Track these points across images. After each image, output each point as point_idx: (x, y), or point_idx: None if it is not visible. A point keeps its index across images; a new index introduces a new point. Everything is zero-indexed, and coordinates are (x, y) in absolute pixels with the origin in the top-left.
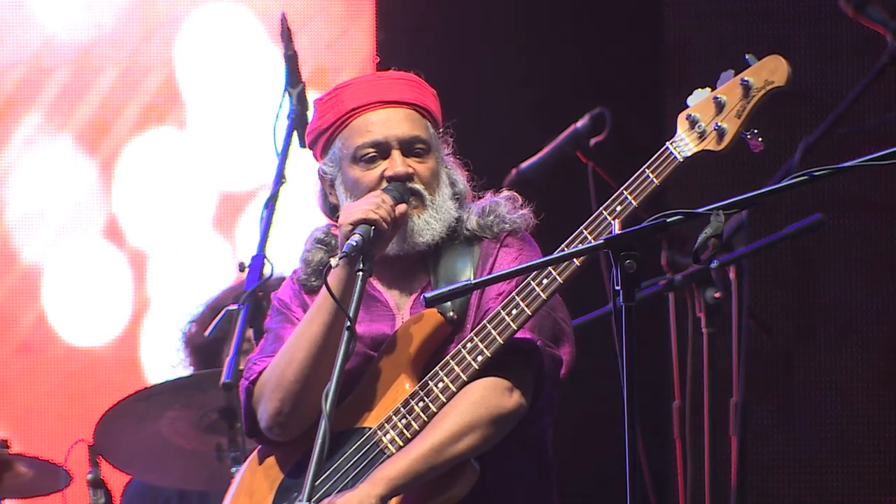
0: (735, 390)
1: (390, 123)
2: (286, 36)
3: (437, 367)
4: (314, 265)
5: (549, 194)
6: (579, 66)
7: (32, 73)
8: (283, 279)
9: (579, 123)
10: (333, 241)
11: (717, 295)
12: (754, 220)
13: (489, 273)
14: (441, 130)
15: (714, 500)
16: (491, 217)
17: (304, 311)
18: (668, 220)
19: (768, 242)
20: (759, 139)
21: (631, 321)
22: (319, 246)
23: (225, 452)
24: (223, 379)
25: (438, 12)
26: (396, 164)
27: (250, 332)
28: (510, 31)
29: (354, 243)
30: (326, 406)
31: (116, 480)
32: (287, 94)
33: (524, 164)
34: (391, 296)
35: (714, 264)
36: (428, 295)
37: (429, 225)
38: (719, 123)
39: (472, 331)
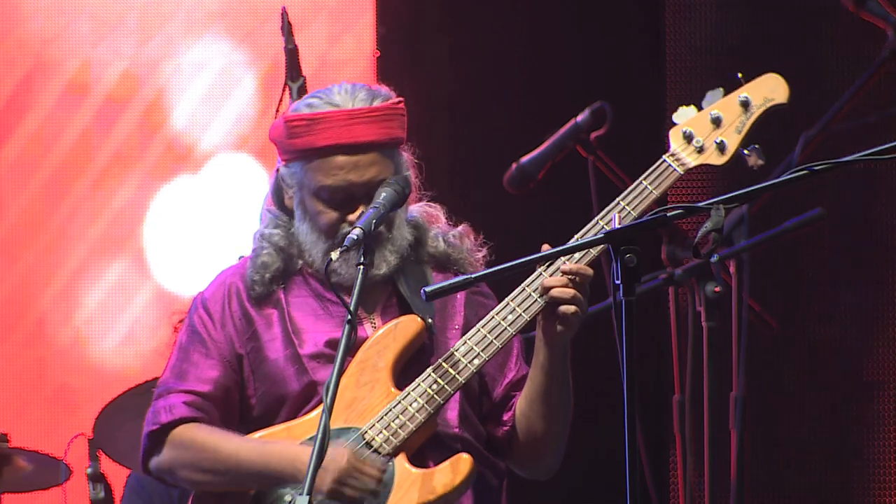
0: (735, 384)
1: (358, 171)
2: (287, 30)
3: (428, 370)
4: (272, 271)
5: (550, 189)
6: (580, 59)
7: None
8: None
9: (579, 118)
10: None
11: (716, 289)
12: (755, 213)
13: (451, 309)
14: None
15: (713, 495)
16: (459, 254)
17: (234, 325)
18: (669, 214)
19: (769, 236)
20: (760, 155)
21: (631, 315)
22: (274, 255)
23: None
24: None
25: (439, 7)
26: (357, 216)
27: None
28: (511, 25)
29: (355, 237)
30: (327, 399)
31: (116, 474)
32: (287, 88)
33: (524, 159)
34: (359, 302)
35: (714, 258)
36: (428, 289)
37: (385, 259)
38: (720, 138)
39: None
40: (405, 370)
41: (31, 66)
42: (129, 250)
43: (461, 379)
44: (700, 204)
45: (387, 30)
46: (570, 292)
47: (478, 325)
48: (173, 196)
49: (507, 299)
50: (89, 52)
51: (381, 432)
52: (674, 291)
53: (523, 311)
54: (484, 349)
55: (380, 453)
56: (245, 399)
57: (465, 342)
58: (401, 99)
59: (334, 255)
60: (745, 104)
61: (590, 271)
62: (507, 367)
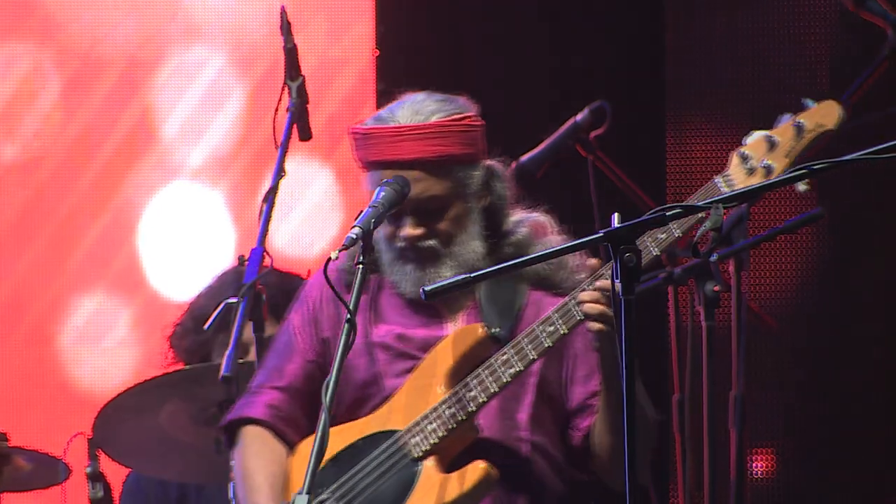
0: (734, 384)
1: None
2: (286, 28)
3: (468, 377)
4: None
5: (549, 188)
6: (580, 58)
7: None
8: (272, 272)
9: (579, 117)
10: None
11: (716, 288)
12: (754, 212)
13: (534, 319)
14: (481, 164)
15: (713, 494)
16: (556, 275)
17: (325, 309)
18: (668, 213)
19: (768, 235)
20: (807, 181)
21: (631, 314)
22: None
23: (224, 445)
24: (222, 372)
25: (439, 6)
26: (408, 229)
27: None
28: (511, 25)
29: (354, 236)
30: (326, 398)
31: (116, 474)
32: (287, 88)
33: (524, 157)
34: (443, 305)
35: (714, 257)
36: (427, 288)
37: (439, 274)
38: (767, 161)
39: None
40: (466, 377)
41: (28, 69)
42: (127, 251)
43: (494, 388)
44: (699, 203)
45: (386, 29)
46: (597, 308)
47: (520, 335)
48: (170, 199)
49: (552, 310)
50: (86, 55)
51: (415, 436)
52: (673, 291)
53: (563, 324)
54: (521, 359)
55: (409, 456)
56: None
57: (506, 351)
58: (466, 115)
59: (333, 254)
60: (799, 129)
61: None
62: (591, 379)
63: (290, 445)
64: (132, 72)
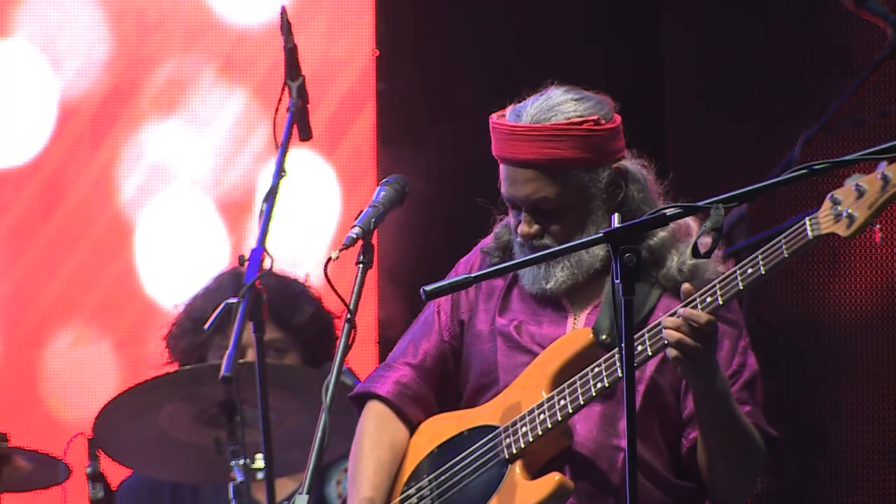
0: None
1: (516, 185)
2: (286, 28)
3: (565, 384)
4: (501, 243)
5: None
6: (580, 60)
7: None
8: (270, 274)
9: None
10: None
11: None
12: (754, 213)
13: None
14: (608, 165)
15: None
16: (692, 282)
17: (466, 290)
18: (668, 213)
19: (767, 235)
20: (880, 234)
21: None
22: (507, 229)
23: (224, 446)
24: (222, 372)
25: (439, 6)
26: (523, 226)
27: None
28: (510, 25)
29: (354, 235)
30: (326, 399)
31: (116, 474)
32: (287, 88)
33: None
34: (569, 301)
35: None
36: (427, 287)
37: (553, 275)
38: (849, 210)
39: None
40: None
41: (26, 71)
42: (127, 251)
43: (581, 401)
44: (699, 203)
45: (386, 29)
46: (675, 336)
47: (614, 350)
48: (167, 203)
49: (643, 330)
50: (85, 56)
51: (510, 436)
52: None
53: (650, 345)
54: (609, 375)
55: (500, 456)
56: (457, 367)
57: (600, 364)
58: (588, 119)
59: (334, 254)
60: (885, 181)
61: (703, 318)
62: None
63: (413, 425)
64: (130, 73)
